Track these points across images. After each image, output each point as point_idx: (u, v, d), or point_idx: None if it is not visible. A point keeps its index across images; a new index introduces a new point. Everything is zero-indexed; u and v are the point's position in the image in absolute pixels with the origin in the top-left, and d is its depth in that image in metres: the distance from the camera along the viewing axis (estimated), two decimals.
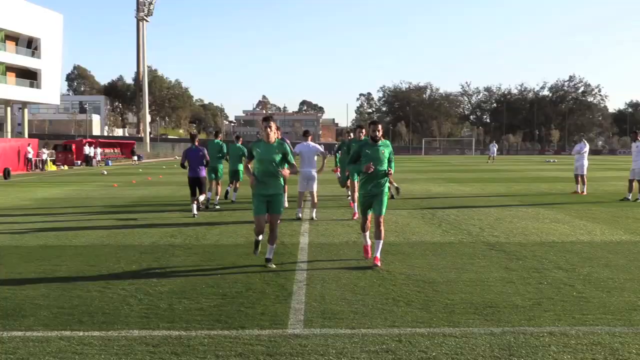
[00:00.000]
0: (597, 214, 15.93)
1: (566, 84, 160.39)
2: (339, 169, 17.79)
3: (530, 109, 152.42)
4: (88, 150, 58.61)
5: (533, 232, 12.73)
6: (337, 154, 17.85)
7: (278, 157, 9.07)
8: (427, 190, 24.19)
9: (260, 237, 9.36)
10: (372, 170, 9.27)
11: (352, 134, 17.14)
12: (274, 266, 9.12)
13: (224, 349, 5.55)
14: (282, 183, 9.28)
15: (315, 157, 15.13)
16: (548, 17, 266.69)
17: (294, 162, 9.36)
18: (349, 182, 15.78)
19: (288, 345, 5.66)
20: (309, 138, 15.39)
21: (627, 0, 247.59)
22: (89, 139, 67.13)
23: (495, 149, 67.89)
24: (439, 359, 5.33)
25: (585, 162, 22.42)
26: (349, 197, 17.41)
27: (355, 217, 14.83)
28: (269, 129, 9.11)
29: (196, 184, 15.83)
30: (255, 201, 9.14)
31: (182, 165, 15.83)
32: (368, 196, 9.54)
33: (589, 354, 5.42)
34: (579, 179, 22.46)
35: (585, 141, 23.15)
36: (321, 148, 15.21)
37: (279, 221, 9.61)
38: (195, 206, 15.80)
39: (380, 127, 9.60)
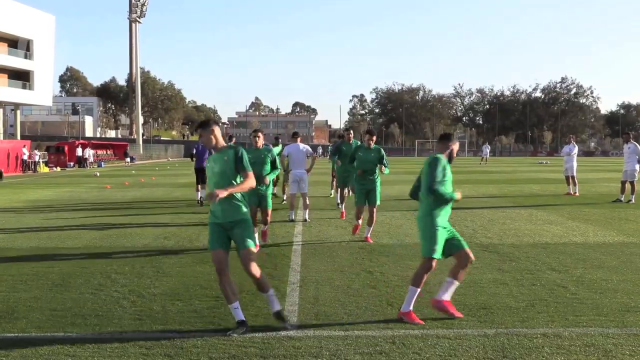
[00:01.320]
0: (590, 215, 15.98)
1: (558, 85, 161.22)
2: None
3: (522, 111, 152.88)
4: (81, 152, 58.44)
5: (526, 233, 12.76)
6: (334, 159, 15.60)
7: (229, 169, 6.18)
8: None
9: (234, 300, 6.20)
10: None
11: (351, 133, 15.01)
12: (291, 322, 6.35)
13: (217, 351, 5.54)
14: (244, 208, 6.26)
15: (305, 159, 15.18)
16: (540, 19, 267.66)
17: (247, 170, 6.21)
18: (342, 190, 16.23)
19: (281, 347, 5.66)
20: (298, 139, 15.39)
21: (620, 3, 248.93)
22: (81, 141, 66.90)
23: (488, 151, 68.00)
24: None
25: (575, 164, 22.51)
26: (340, 205, 16.25)
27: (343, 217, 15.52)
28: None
29: (201, 172, 18.77)
30: (210, 229, 6.43)
31: (191, 157, 19.75)
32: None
33: (582, 356, 5.43)
34: (570, 180, 22.56)
35: (574, 142, 23.23)
36: (310, 149, 15.27)
37: (253, 261, 6.26)
38: (199, 193, 18.98)
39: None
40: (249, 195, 10.31)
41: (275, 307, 6.25)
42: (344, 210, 15.79)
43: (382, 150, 12.06)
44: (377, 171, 11.86)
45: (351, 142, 14.47)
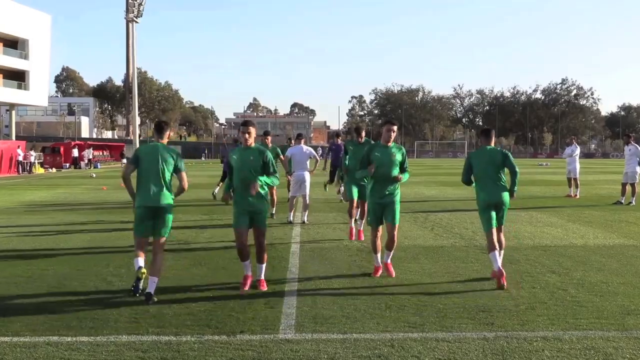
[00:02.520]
0: (591, 217, 15.93)
1: (559, 86, 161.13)
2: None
3: (522, 112, 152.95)
4: (77, 152, 58.32)
5: (526, 235, 12.70)
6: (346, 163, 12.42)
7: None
8: (419, 194, 24.16)
9: None
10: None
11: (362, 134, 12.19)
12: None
13: (214, 355, 5.48)
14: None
15: (308, 160, 15.12)
16: (541, 20, 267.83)
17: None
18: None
19: (279, 350, 5.60)
20: (302, 141, 15.41)
21: (621, 3, 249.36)
22: (78, 142, 66.76)
23: None
24: None
25: (578, 165, 22.38)
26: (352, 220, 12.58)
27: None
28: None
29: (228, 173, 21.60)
30: None
31: (222, 159, 21.62)
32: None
33: (582, 359, 5.38)
34: (572, 182, 22.46)
35: (576, 144, 23.15)
36: (314, 151, 15.26)
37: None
38: (217, 188, 21.46)
39: None
40: (237, 217, 8.19)
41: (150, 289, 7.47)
42: (352, 226, 12.36)
43: (404, 149, 9.08)
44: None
45: (362, 141, 11.93)
